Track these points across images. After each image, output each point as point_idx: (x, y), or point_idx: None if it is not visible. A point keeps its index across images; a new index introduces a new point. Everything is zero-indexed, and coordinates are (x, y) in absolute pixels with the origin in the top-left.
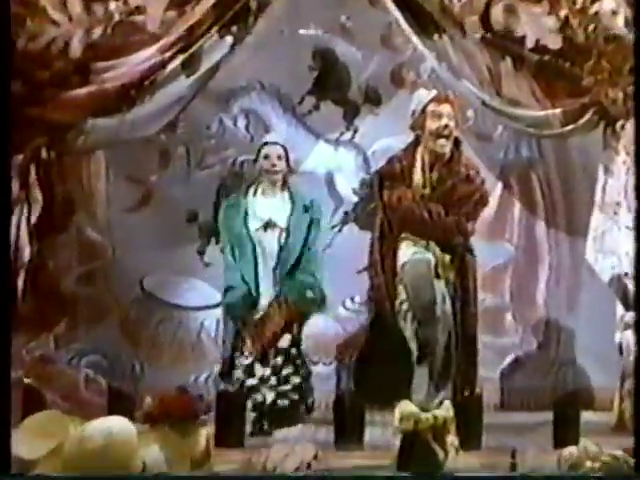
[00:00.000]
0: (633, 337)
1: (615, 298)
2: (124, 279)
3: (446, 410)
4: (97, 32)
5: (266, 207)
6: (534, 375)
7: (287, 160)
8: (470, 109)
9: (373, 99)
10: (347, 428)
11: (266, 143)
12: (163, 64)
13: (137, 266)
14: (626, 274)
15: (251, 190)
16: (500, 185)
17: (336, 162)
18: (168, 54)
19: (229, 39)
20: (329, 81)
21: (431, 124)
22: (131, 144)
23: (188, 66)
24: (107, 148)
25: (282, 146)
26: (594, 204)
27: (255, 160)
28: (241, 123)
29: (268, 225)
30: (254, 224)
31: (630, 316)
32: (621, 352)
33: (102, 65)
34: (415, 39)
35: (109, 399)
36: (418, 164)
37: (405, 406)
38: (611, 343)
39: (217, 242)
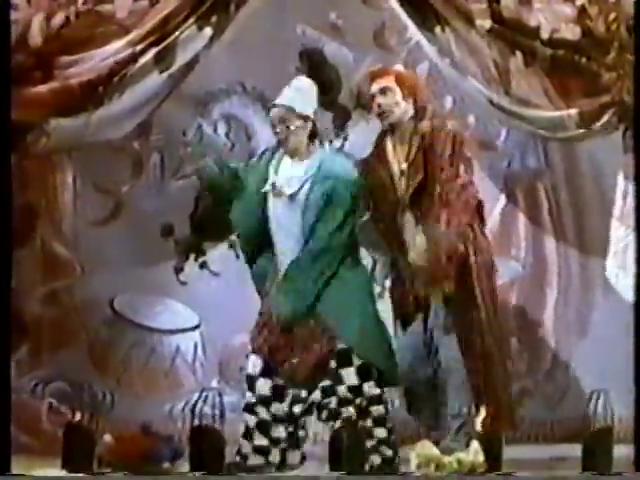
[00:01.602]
0: None
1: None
2: (92, 299)
3: (475, 453)
4: (59, 19)
5: (281, 173)
6: (542, 406)
7: (305, 119)
8: (471, 115)
9: (365, 104)
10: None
11: (269, 108)
12: (134, 58)
13: (107, 285)
14: None
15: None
16: (504, 197)
17: None
18: (139, 47)
19: (208, 31)
20: (318, 84)
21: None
22: (100, 149)
23: (162, 60)
24: (72, 151)
25: (284, 106)
26: (612, 215)
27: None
28: (221, 129)
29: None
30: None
31: None
32: None
33: (66, 59)
34: (414, 33)
35: (65, 434)
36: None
37: (424, 448)
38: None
39: (196, 259)
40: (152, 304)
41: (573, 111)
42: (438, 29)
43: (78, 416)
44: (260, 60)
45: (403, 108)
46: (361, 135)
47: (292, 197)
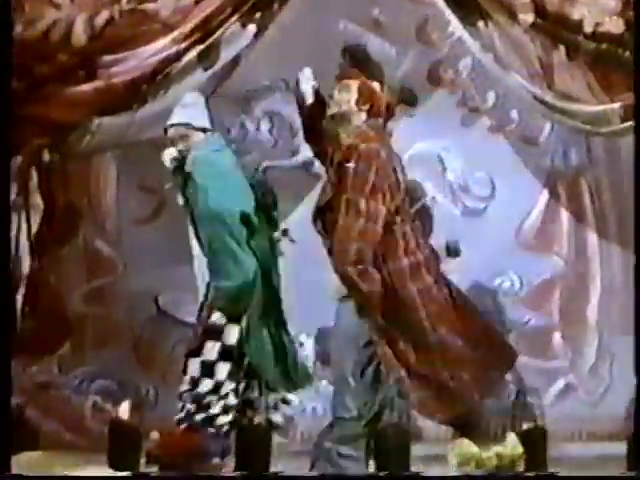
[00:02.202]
0: None
1: None
2: (136, 296)
3: (512, 447)
4: (103, 18)
5: None
6: (585, 402)
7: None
8: (514, 110)
9: (408, 99)
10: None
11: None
12: (178, 56)
13: (151, 282)
14: None
15: None
16: (546, 193)
17: None
18: (183, 45)
19: (251, 28)
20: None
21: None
22: (144, 149)
23: (205, 58)
24: (115, 150)
25: (185, 124)
26: None
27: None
28: (264, 126)
29: None
30: None
31: None
32: None
33: (110, 58)
34: (457, 28)
35: (111, 431)
36: None
37: (462, 446)
38: None
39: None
40: (196, 301)
41: (616, 105)
42: (481, 24)
43: (123, 413)
44: (303, 57)
45: (352, 109)
46: (405, 131)
47: None
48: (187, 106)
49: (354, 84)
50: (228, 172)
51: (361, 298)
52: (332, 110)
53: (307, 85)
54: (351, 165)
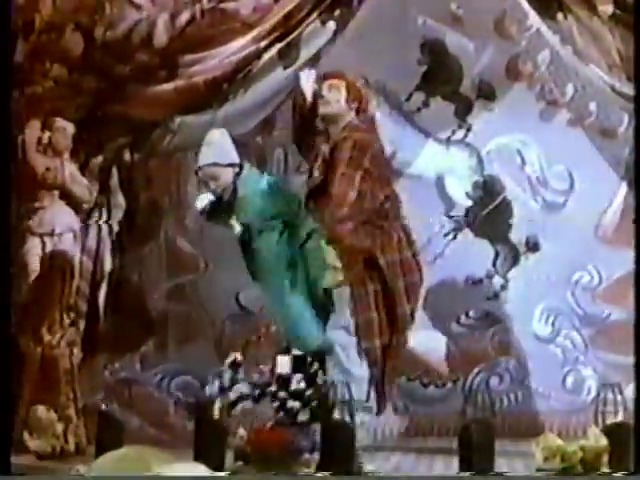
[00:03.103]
0: None
1: None
2: (218, 294)
3: (596, 439)
4: (184, 18)
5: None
6: None
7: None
8: (593, 102)
9: (487, 94)
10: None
11: (198, 168)
12: (258, 55)
13: (232, 279)
14: None
15: None
16: (625, 185)
17: (447, 163)
18: (263, 43)
19: (331, 25)
20: (439, 75)
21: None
22: None
23: (286, 56)
24: (196, 148)
25: (214, 164)
26: None
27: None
28: None
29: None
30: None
31: None
32: None
33: (190, 57)
34: (535, 21)
35: (197, 428)
36: None
37: (547, 440)
38: None
39: None
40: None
41: None
42: (560, 16)
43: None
44: (382, 53)
45: (343, 108)
46: (484, 125)
47: None
48: (212, 144)
49: (342, 83)
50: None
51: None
52: (324, 109)
53: (308, 85)
54: (346, 152)
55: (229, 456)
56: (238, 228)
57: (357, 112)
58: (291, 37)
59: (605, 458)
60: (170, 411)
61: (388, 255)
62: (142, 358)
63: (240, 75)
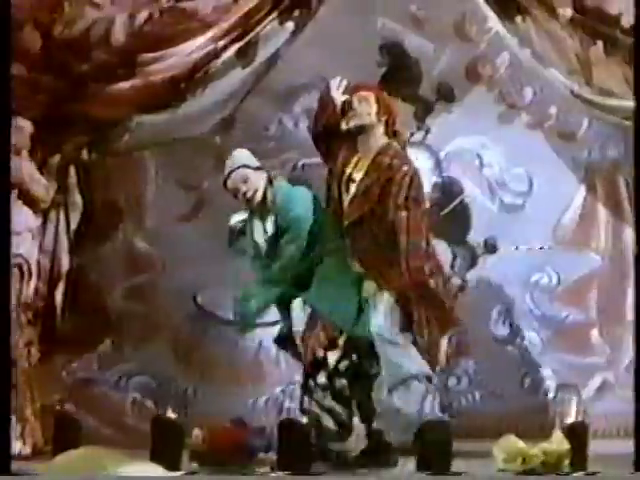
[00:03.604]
0: None
1: None
2: (175, 294)
3: (559, 442)
4: (142, 17)
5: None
6: (623, 399)
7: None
8: (552, 105)
9: (446, 96)
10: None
11: (227, 178)
12: (216, 54)
13: (190, 280)
14: None
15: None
16: (584, 188)
17: None
18: (222, 43)
19: (289, 25)
20: (398, 77)
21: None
22: (182, 145)
23: (244, 56)
24: (155, 148)
25: (241, 167)
26: None
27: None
28: (303, 124)
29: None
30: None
31: None
32: None
33: (149, 56)
34: (495, 23)
35: (153, 428)
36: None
37: (509, 442)
38: None
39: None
40: (235, 298)
41: None
42: (519, 19)
43: (163, 410)
44: (341, 54)
45: (373, 121)
46: (443, 127)
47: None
48: (237, 157)
49: (371, 96)
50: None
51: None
52: (354, 122)
53: (338, 93)
54: (403, 190)
55: (185, 456)
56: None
57: (386, 125)
58: (249, 37)
59: (567, 461)
60: (127, 411)
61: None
62: (100, 358)
63: (198, 74)
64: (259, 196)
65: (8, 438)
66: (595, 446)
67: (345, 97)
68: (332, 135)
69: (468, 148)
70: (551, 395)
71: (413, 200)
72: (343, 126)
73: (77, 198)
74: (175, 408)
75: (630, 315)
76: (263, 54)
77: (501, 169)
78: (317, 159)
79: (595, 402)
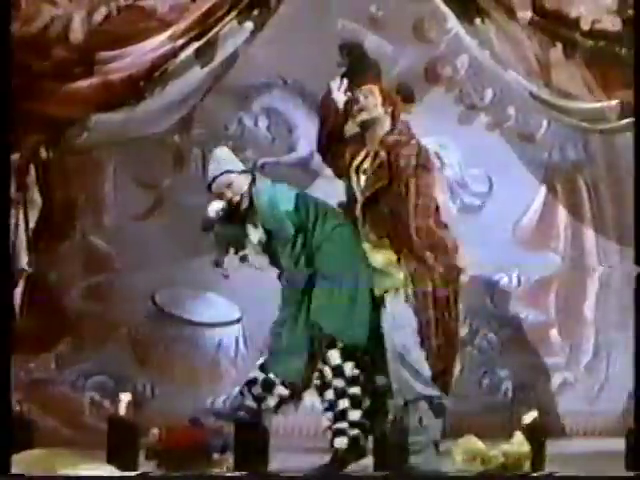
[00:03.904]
0: None
1: None
2: (134, 293)
3: (519, 444)
4: (100, 14)
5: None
6: (582, 398)
7: (243, 173)
8: (511, 107)
9: (406, 96)
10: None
11: (212, 180)
12: (175, 53)
13: (148, 279)
14: None
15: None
16: (544, 189)
17: None
18: (180, 42)
19: (248, 25)
20: (358, 77)
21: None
22: (141, 144)
23: (203, 55)
24: (113, 147)
25: (227, 171)
26: None
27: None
28: (262, 123)
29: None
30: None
31: None
32: None
33: (107, 54)
34: (454, 25)
35: (110, 428)
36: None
37: (469, 443)
38: None
39: (236, 252)
40: (193, 298)
41: (613, 102)
42: (478, 21)
43: (121, 410)
44: (301, 54)
45: (380, 113)
46: None
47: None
48: (219, 160)
49: (376, 88)
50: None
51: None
52: (362, 117)
53: (339, 94)
54: (412, 180)
55: (142, 456)
56: (260, 235)
57: (392, 116)
58: (208, 36)
59: (527, 463)
60: (85, 411)
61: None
62: (57, 358)
63: (157, 73)
64: (245, 202)
65: (8, 438)
66: (553, 447)
67: (347, 96)
68: (337, 139)
69: (429, 149)
70: (509, 395)
71: (422, 167)
72: (348, 126)
73: (36, 196)
74: (132, 408)
75: (590, 315)
76: (222, 53)
77: (461, 169)
78: (276, 158)
79: (554, 402)
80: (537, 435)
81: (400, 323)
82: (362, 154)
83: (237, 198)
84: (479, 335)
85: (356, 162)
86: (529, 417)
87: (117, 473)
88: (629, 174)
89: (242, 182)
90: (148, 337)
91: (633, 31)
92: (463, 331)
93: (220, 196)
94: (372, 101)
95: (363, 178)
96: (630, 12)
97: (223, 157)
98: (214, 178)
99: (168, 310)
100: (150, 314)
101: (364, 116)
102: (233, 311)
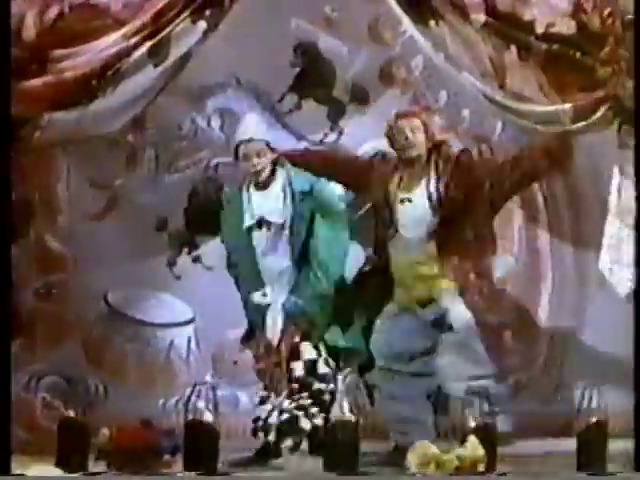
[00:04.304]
0: None
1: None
2: (87, 293)
3: (474, 448)
4: (53, 12)
5: (259, 203)
6: (537, 400)
7: (272, 150)
8: (466, 109)
9: (360, 98)
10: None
11: (241, 142)
12: (128, 52)
13: (101, 279)
14: None
15: (245, 185)
16: None
17: None
18: (133, 40)
19: (202, 24)
20: (312, 78)
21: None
22: (94, 143)
23: (156, 54)
24: (66, 145)
25: (260, 140)
26: (608, 210)
27: (235, 161)
28: (215, 123)
29: (261, 223)
30: (247, 222)
31: None
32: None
33: (60, 52)
34: (409, 27)
35: (60, 429)
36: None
37: (422, 448)
38: (628, 365)
39: (189, 252)
40: (146, 298)
41: (568, 106)
42: (432, 23)
43: (72, 411)
44: (255, 54)
45: (424, 146)
46: (356, 129)
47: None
48: (249, 125)
49: (418, 121)
50: None
51: None
52: (411, 153)
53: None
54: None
55: (92, 456)
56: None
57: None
58: (161, 35)
59: (482, 467)
60: (37, 413)
61: None
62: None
63: (110, 72)
64: (266, 172)
65: (8, 438)
66: (507, 448)
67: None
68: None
69: (382, 150)
70: (463, 397)
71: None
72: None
73: None
74: (84, 408)
75: (543, 318)
76: (175, 53)
77: None
78: (230, 158)
79: (508, 404)
80: (489, 437)
81: None
82: (395, 181)
83: (260, 168)
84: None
85: (393, 190)
86: (482, 420)
87: (65, 475)
88: (584, 177)
89: (269, 157)
90: (101, 337)
91: (634, 33)
92: None
93: (244, 160)
94: (420, 137)
95: (408, 209)
96: (584, 16)
97: (253, 125)
98: (248, 140)
99: (121, 310)
100: (103, 314)
101: (412, 152)
102: (186, 311)
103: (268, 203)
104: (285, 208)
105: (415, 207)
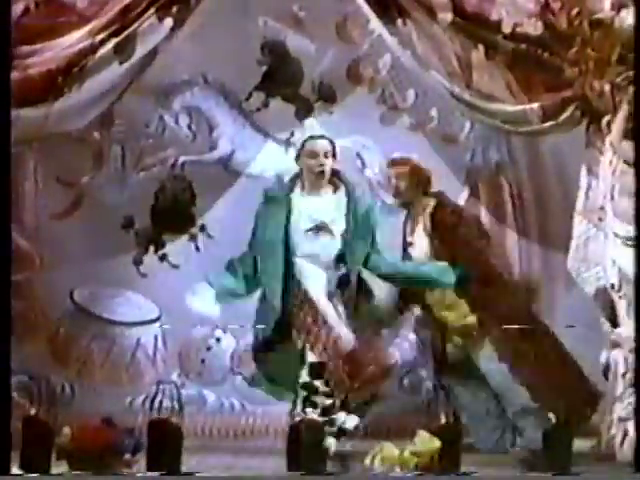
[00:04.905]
0: (622, 356)
1: (600, 313)
2: (53, 291)
3: (425, 442)
4: (19, 8)
5: (315, 207)
6: None
7: (334, 155)
8: (434, 108)
9: (327, 96)
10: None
11: (311, 137)
12: (94, 49)
13: (67, 277)
14: (612, 286)
15: (297, 187)
16: (466, 191)
17: (287, 164)
18: (99, 37)
19: (168, 22)
20: (279, 76)
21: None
22: (61, 140)
23: (122, 51)
24: (32, 142)
25: (330, 140)
26: (575, 210)
27: (297, 156)
28: (183, 121)
29: (320, 228)
30: (302, 226)
31: (618, 333)
32: (606, 375)
33: (26, 49)
34: (376, 25)
35: (24, 428)
36: None
37: (386, 451)
38: (595, 365)
39: (156, 251)
40: (112, 296)
41: (535, 105)
42: (400, 22)
43: (36, 409)
44: (222, 52)
45: (415, 192)
46: (324, 128)
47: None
48: (311, 128)
49: (406, 170)
50: None
51: None
52: (402, 199)
53: None
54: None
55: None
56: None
57: (424, 193)
58: (127, 32)
59: (437, 458)
60: None
61: None
62: None
63: (76, 69)
64: (328, 172)
65: (8, 438)
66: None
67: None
68: None
69: (349, 148)
70: (430, 396)
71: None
72: None
73: None
74: (49, 407)
75: None
76: (141, 50)
77: (382, 170)
78: (197, 156)
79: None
80: (450, 434)
81: None
82: None
83: (326, 168)
84: (400, 335)
85: None
86: (444, 418)
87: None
88: (552, 176)
89: (331, 158)
90: (67, 336)
91: (634, 33)
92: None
93: (311, 155)
94: (402, 184)
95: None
96: (551, 17)
97: (315, 129)
98: (319, 137)
99: (87, 308)
100: (69, 312)
101: (400, 200)
102: (152, 310)
103: (327, 209)
104: (347, 219)
105: None
